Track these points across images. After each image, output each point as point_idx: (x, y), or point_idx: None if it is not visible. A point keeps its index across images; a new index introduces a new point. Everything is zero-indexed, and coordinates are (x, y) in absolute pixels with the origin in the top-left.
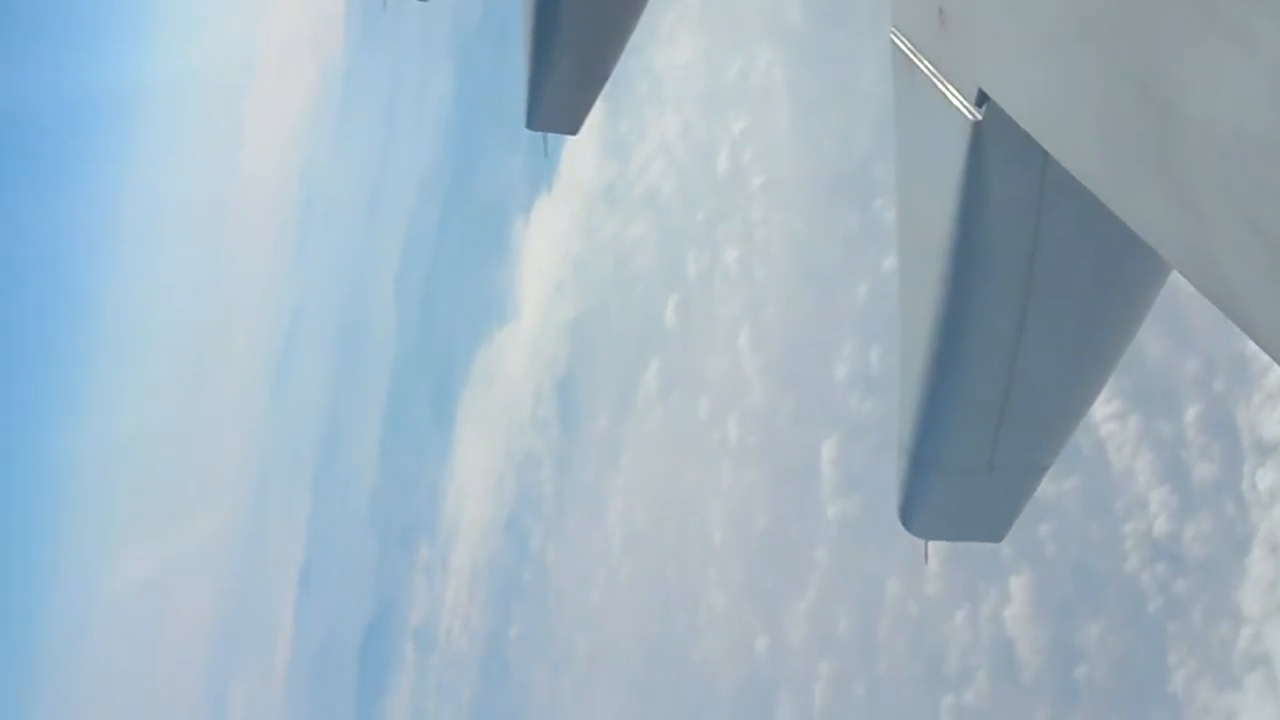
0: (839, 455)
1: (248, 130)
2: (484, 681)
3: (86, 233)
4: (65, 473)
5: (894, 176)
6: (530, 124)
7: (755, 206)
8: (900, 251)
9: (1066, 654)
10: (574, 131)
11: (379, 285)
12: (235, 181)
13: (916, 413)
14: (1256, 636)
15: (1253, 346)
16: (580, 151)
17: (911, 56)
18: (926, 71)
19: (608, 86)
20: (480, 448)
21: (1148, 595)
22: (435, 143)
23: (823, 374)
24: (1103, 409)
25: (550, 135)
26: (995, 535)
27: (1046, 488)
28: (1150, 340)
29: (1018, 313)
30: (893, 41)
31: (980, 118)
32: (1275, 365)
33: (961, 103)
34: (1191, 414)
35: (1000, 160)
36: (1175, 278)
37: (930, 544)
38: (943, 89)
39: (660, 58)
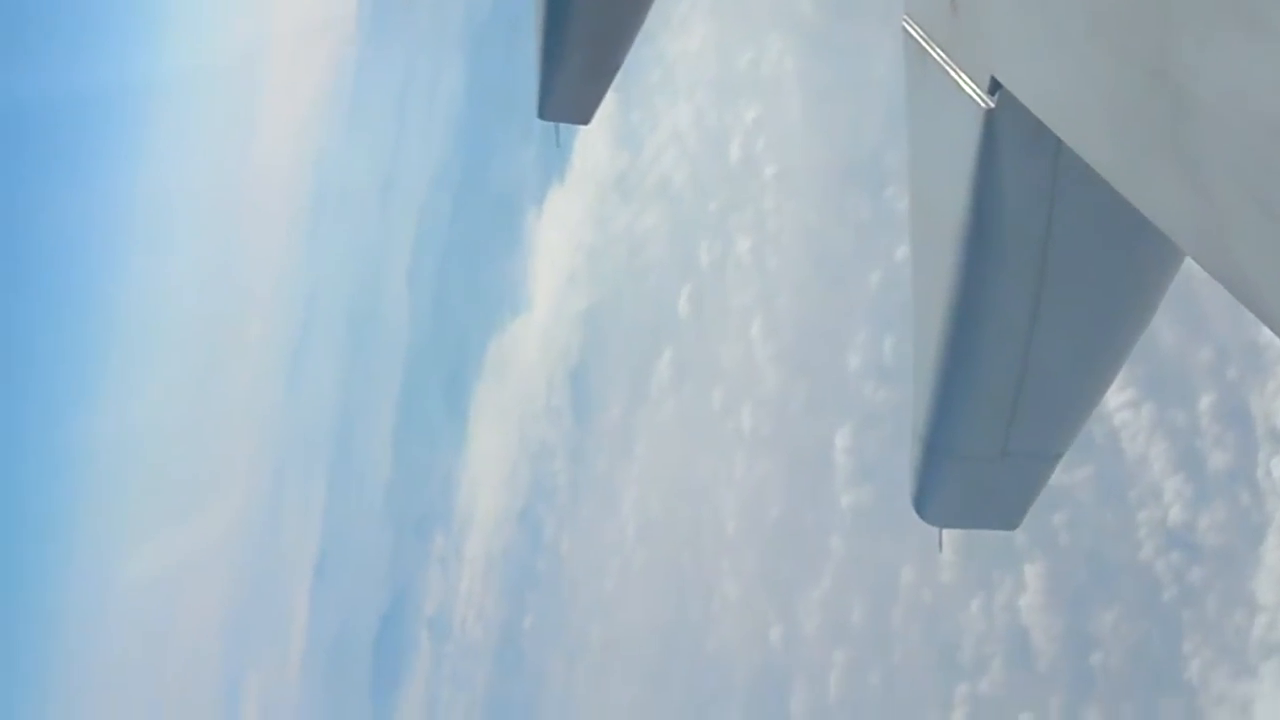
0: (852, 444)
1: (260, 123)
2: (498, 671)
3: (100, 226)
4: (80, 464)
5: (906, 165)
6: (542, 114)
7: (768, 196)
8: (913, 240)
9: (1081, 642)
10: (586, 121)
11: (392, 276)
12: (248, 174)
13: (930, 400)
14: (1272, 624)
15: (1267, 334)
16: (592, 142)
17: (924, 44)
18: (939, 59)
19: (619, 76)
20: (494, 438)
21: (1162, 583)
22: (447, 134)
23: (836, 363)
24: (1116, 397)
25: (562, 126)
26: (1010, 523)
27: (1060, 476)
28: (1164, 328)
29: (1031, 300)
30: (905, 29)
31: (993, 105)
32: None
33: (974, 90)
34: (1205, 402)
35: (1013, 148)
36: (1189, 265)
37: (944, 532)
38: (955, 77)
39: (672, 47)
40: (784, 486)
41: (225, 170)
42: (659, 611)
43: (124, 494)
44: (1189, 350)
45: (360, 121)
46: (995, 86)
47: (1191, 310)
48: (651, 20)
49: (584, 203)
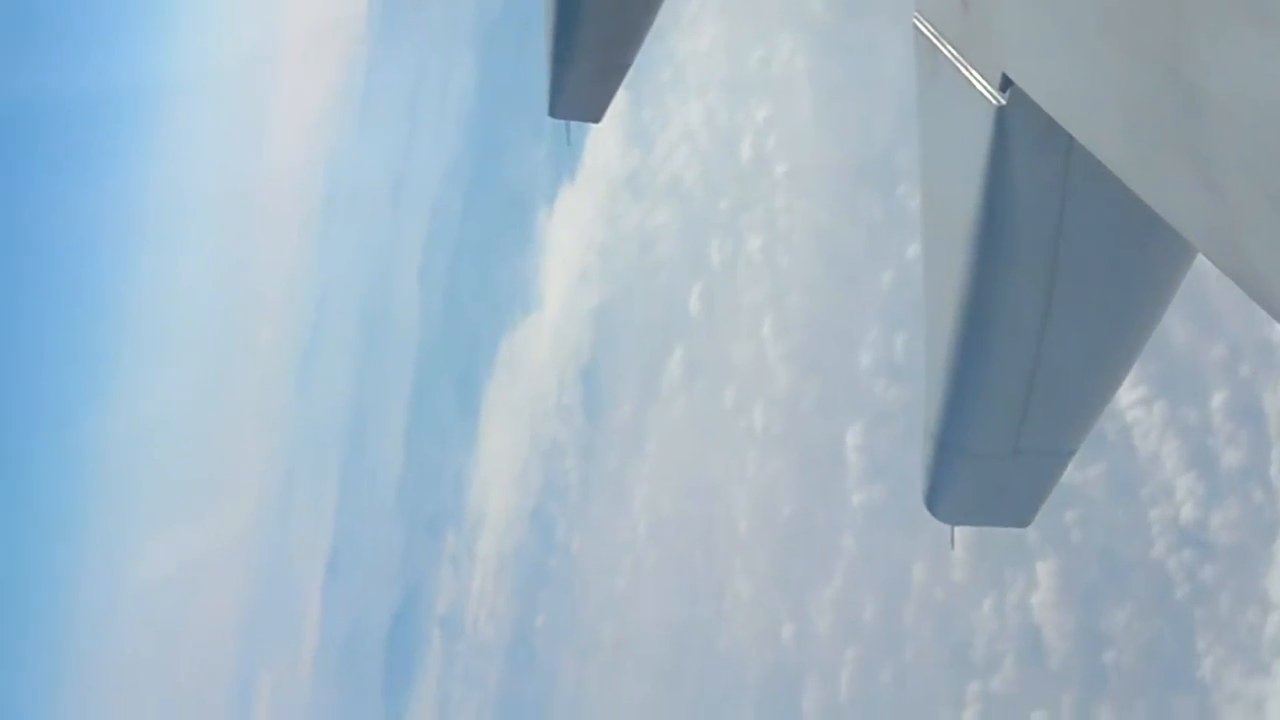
0: (864, 442)
1: (271, 122)
2: (510, 669)
3: (111, 226)
4: (91, 463)
5: (918, 162)
6: (553, 112)
7: (779, 194)
8: (924, 237)
9: (1094, 640)
10: (597, 119)
11: (403, 275)
12: (259, 173)
13: (942, 398)
14: None
15: None
16: (603, 140)
17: (935, 41)
18: (950, 56)
19: (630, 75)
20: (505, 436)
21: (1175, 581)
22: (458, 132)
23: (847, 361)
24: (1128, 395)
25: (573, 124)
26: (1022, 520)
27: (1072, 474)
28: (1176, 325)
29: (1043, 297)
30: (916, 26)
31: (1004, 102)
32: None
33: (985, 87)
34: (1218, 400)
35: (1024, 145)
36: (1200, 262)
37: (956, 530)
38: (966, 74)
39: (683, 45)
40: (795, 485)
41: (236, 170)
42: (671, 610)
43: (136, 493)
44: (1201, 347)
45: (371, 120)
46: (1006, 83)
47: (1204, 307)
48: (662, 19)
49: (595, 201)
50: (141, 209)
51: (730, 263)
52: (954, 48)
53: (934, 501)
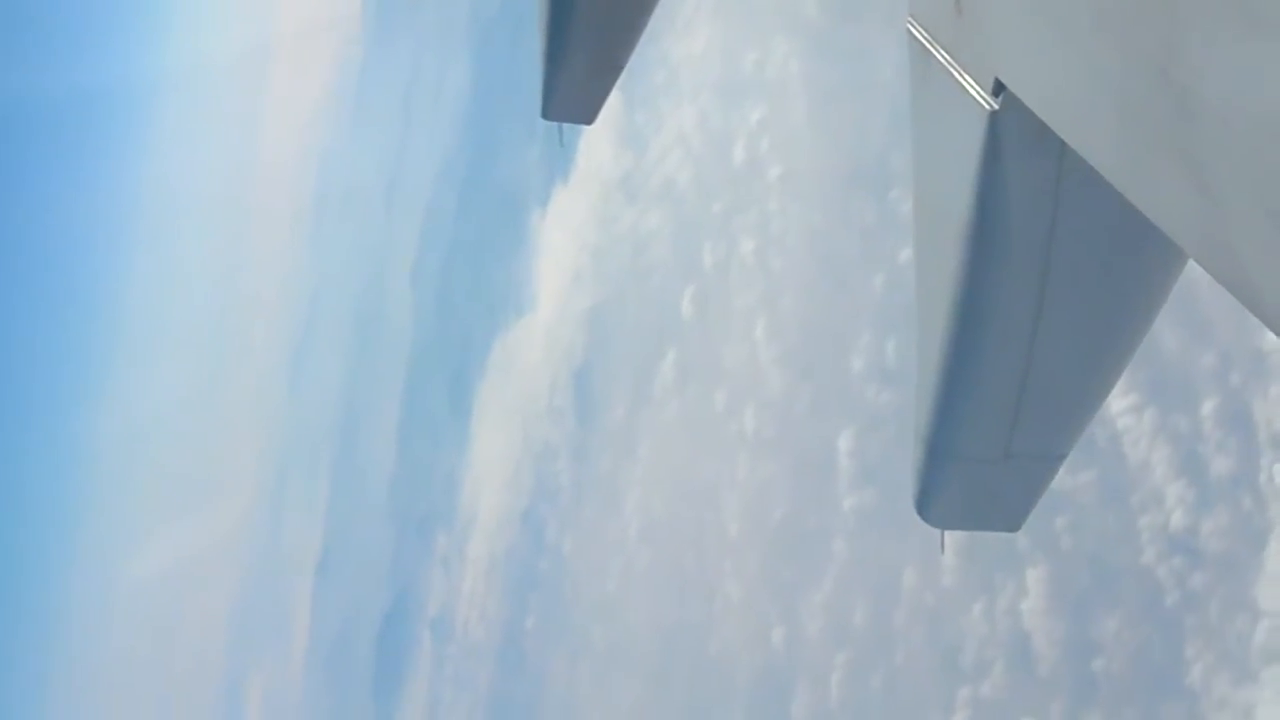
0: (855, 446)
1: (265, 121)
2: (501, 672)
3: (104, 224)
4: (83, 462)
5: (910, 167)
6: (546, 114)
7: (772, 198)
8: (917, 241)
9: (1083, 647)
10: (589, 121)
11: (396, 276)
12: (252, 172)
13: (933, 402)
14: (1274, 630)
15: (1270, 339)
16: (597, 143)
17: (928, 46)
18: (943, 61)
19: (624, 78)
20: (497, 438)
21: (1165, 589)
22: (452, 133)
23: (839, 365)
24: (1119, 402)
25: (567, 126)
26: (1012, 524)
27: (1063, 481)
28: (1167, 333)
29: (1034, 302)
30: (909, 31)
31: (997, 107)
32: None
33: (978, 92)
34: (1208, 407)
35: (1017, 150)
36: (1192, 268)
37: (947, 535)
38: (959, 79)
39: (677, 48)
40: (787, 488)
41: (230, 168)
42: (661, 613)
43: (128, 492)
44: (1192, 355)
45: (365, 120)
46: (999, 88)
47: (1195, 314)
48: (656, 21)
49: (588, 203)
50: (134, 207)
51: (723, 266)
52: (947, 52)
53: (925, 506)
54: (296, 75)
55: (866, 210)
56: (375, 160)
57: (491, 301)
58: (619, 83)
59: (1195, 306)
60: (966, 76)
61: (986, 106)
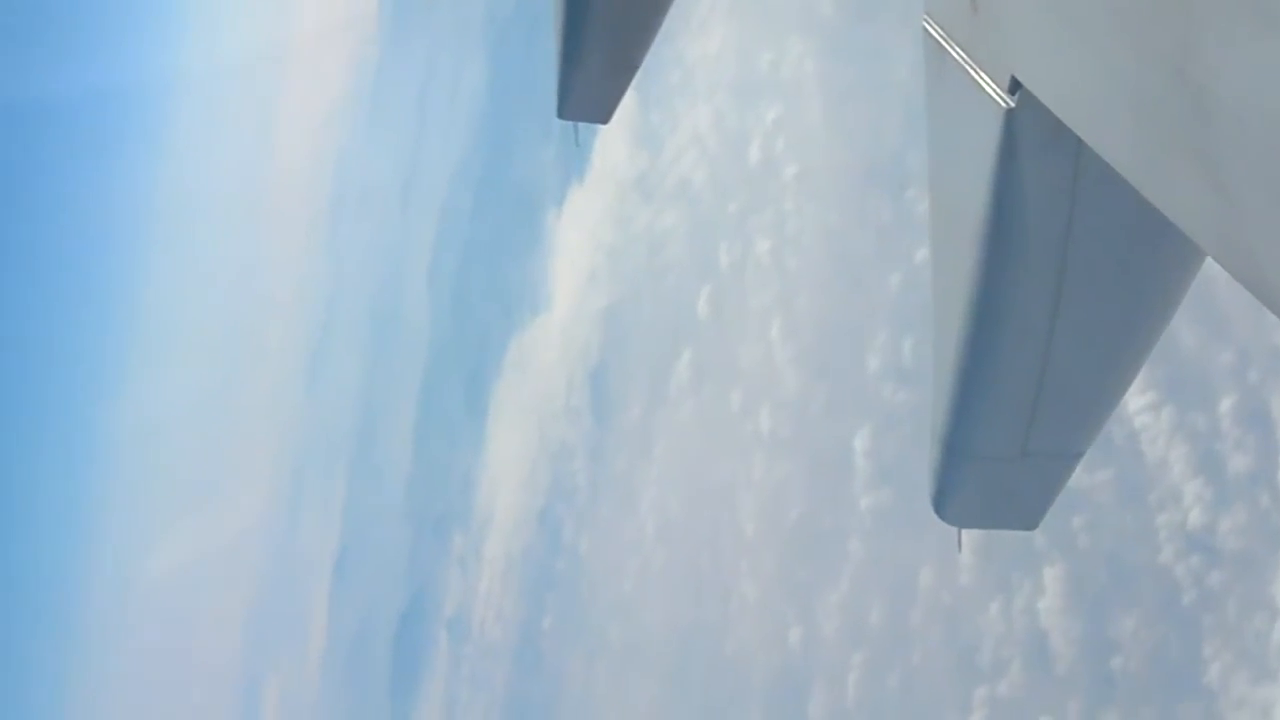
0: (872, 446)
1: (281, 121)
2: (517, 672)
3: (120, 224)
4: (100, 462)
5: (927, 165)
6: (561, 113)
7: (787, 197)
8: (933, 240)
9: (1100, 646)
10: (605, 120)
11: (412, 275)
12: (268, 172)
13: (950, 400)
14: None
15: None
16: (612, 142)
17: (944, 44)
18: (959, 59)
19: (639, 77)
20: (513, 437)
21: (1182, 587)
22: (468, 132)
23: (855, 365)
24: (1136, 400)
25: (582, 126)
26: (1030, 523)
27: (1080, 479)
28: (1184, 330)
29: (1051, 300)
30: (925, 29)
31: (1013, 105)
32: None
33: (994, 90)
34: (1226, 405)
35: (1033, 148)
36: (1209, 265)
37: (964, 534)
38: (975, 76)
39: (692, 48)
40: (803, 488)
41: (246, 168)
42: (678, 613)
43: (145, 491)
44: (1210, 353)
45: (381, 120)
46: (1015, 86)
47: (1212, 312)
48: (671, 21)
49: (604, 202)
50: (151, 207)
51: (739, 265)
52: (963, 50)
53: (941, 504)
54: (312, 75)
55: (882, 209)
56: (391, 160)
57: (507, 301)
58: (634, 82)
59: (1213, 304)
60: (982, 74)
61: (1003, 104)
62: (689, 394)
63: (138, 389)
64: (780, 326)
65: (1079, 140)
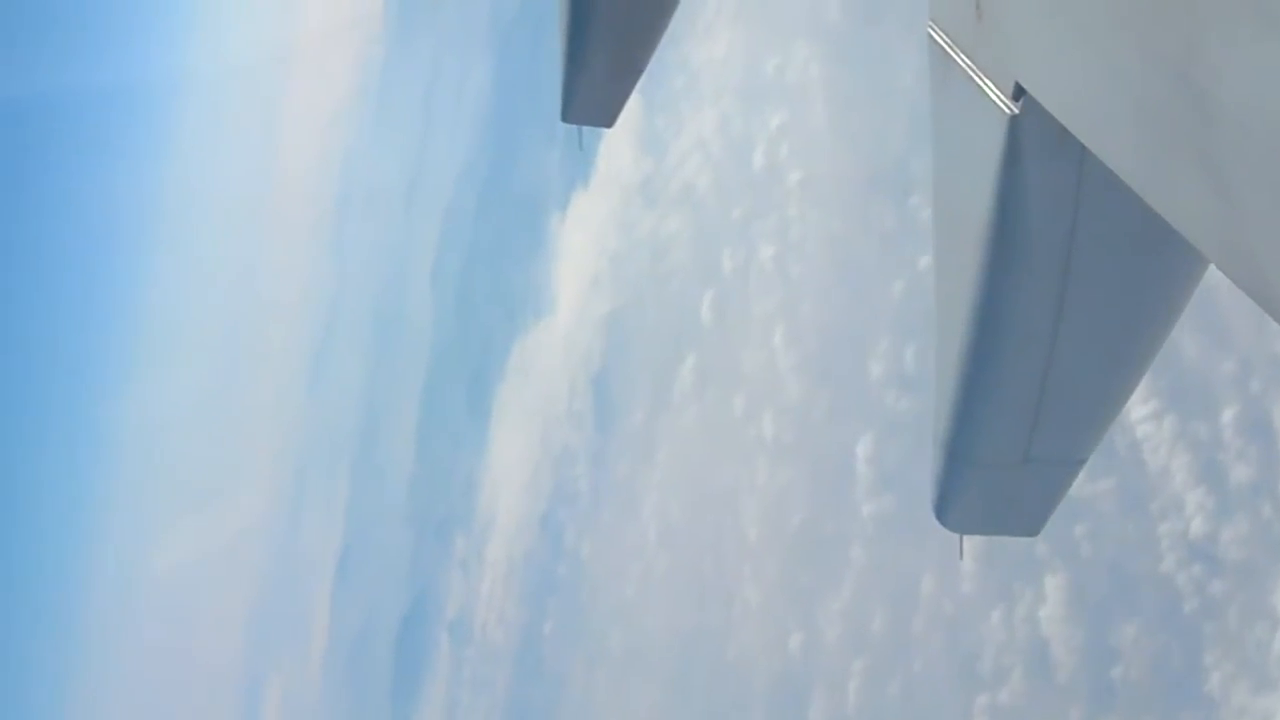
0: (874, 453)
1: (285, 121)
2: (519, 675)
3: (125, 224)
4: (103, 461)
5: (930, 171)
6: (566, 117)
7: (792, 203)
8: (936, 246)
9: (1102, 654)
10: (609, 124)
11: (416, 278)
12: (273, 172)
13: (952, 406)
14: None
15: None
16: (617, 147)
17: (948, 50)
18: (963, 65)
19: (644, 81)
20: (516, 441)
21: (1184, 596)
22: (472, 135)
23: (858, 371)
24: (1139, 409)
25: (587, 131)
26: (1031, 529)
27: (1082, 488)
28: (1187, 339)
29: (1054, 307)
30: (929, 35)
31: (1017, 111)
32: None
33: (998, 96)
34: (1229, 415)
35: (1037, 154)
36: (1212, 273)
37: (966, 541)
38: (979, 83)
39: (697, 53)
40: (805, 494)
41: (251, 169)
42: (679, 618)
43: (148, 491)
44: (1212, 361)
45: (385, 122)
46: (1020, 92)
47: (1215, 320)
48: (676, 25)
49: (608, 207)
50: (156, 207)
51: (742, 271)
52: (967, 56)
53: (943, 510)
54: (317, 76)
55: (886, 215)
56: (395, 162)
57: (511, 304)
58: (639, 86)
59: (1216, 312)
60: (986, 80)
61: (1006, 110)
62: (692, 399)
63: (141, 388)
64: (783, 332)
65: (1083, 147)
